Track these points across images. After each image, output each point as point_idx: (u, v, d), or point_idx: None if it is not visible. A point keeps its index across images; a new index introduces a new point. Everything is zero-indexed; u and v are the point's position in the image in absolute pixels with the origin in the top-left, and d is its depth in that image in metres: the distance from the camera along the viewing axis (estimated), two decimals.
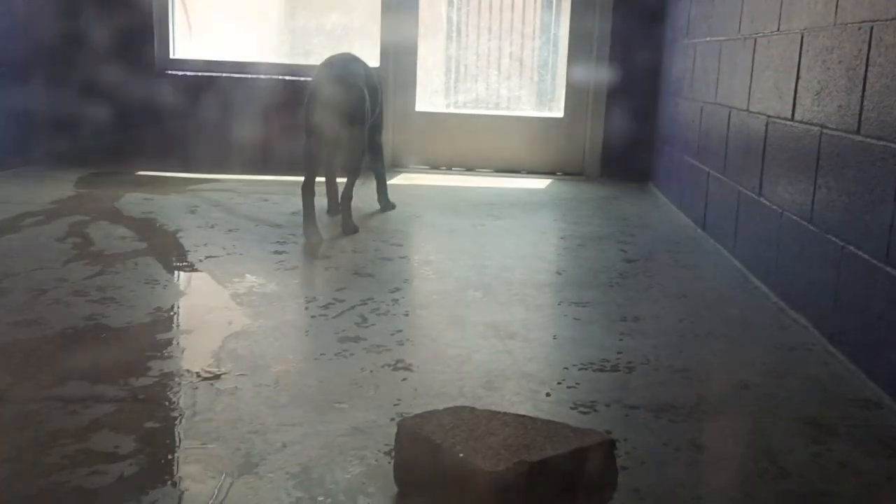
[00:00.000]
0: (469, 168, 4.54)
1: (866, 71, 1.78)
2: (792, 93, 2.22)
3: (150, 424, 1.42)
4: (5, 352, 1.71)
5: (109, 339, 1.82)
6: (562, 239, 3.02)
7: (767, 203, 2.39)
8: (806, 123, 2.12)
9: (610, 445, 1.19)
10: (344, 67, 2.99)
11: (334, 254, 2.67)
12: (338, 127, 2.88)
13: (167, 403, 1.49)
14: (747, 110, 2.63)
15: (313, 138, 2.88)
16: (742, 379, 1.73)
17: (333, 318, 2.02)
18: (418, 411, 1.37)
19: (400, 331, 1.94)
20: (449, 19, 4.69)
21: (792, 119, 2.22)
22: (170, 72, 4.35)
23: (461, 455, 1.12)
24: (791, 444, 1.43)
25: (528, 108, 4.68)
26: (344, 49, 3.27)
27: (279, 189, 3.75)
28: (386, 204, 3.42)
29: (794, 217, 2.16)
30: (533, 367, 1.75)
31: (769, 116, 2.40)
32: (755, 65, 2.58)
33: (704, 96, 3.20)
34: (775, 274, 2.30)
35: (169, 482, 1.22)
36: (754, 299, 2.31)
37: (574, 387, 1.64)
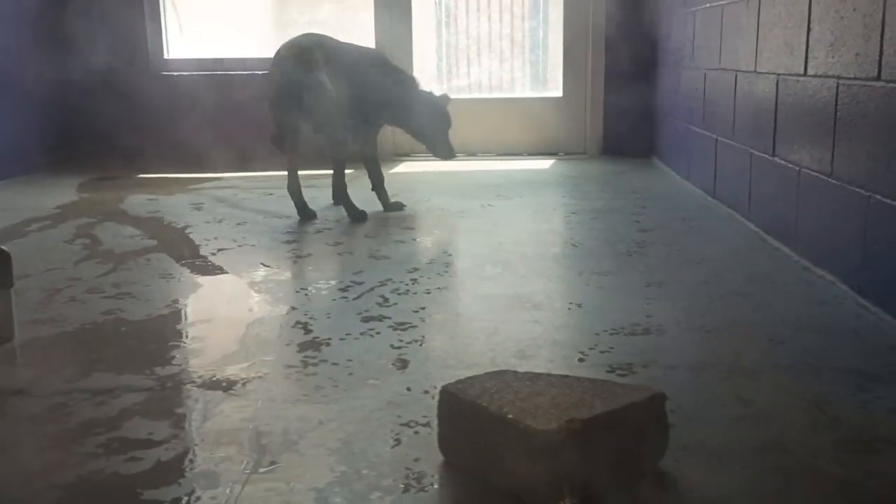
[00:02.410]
0: (470, 153, 4.50)
1: (884, 14, 1.75)
2: (803, 47, 2.19)
3: (181, 410, 1.39)
4: (27, 348, 1.68)
5: (130, 332, 1.78)
6: (573, 214, 2.99)
7: (783, 162, 2.36)
8: (821, 77, 2.09)
9: (660, 399, 1.16)
10: (290, 48, 2.85)
11: (347, 239, 2.64)
12: (279, 112, 2.84)
13: (196, 389, 1.46)
14: (755, 71, 2.59)
15: (271, 125, 2.91)
16: (776, 335, 1.70)
17: (354, 299, 1.98)
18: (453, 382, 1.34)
19: (423, 308, 1.90)
20: (438, 4, 4.65)
21: (805, 74, 2.19)
22: (165, 73, 4.31)
23: (510, 416, 1.09)
24: (837, 393, 1.40)
25: (526, 90, 4.65)
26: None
27: (282, 183, 3.71)
28: (387, 203, 3.08)
29: (813, 173, 2.13)
30: (563, 335, 1.72)
31: (780, 74, 2.37)
32: (760, 24, 2.54)
33: (707, 63, 3.17)
34: (795, 232, 2.27)
35: (207, 463, 1.19)
36: (776, 259, 2.28)
37: (608, 351, 1.61)
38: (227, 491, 1.12)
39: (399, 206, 3.07)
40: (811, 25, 2.14)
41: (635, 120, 4.33)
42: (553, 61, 4.60)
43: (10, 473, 1.19)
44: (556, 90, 4.54)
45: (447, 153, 3.13)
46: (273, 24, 4.66)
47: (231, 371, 1.53)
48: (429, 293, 2.04)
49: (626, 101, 4.32)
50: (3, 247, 1.70)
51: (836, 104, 2.00)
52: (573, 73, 4.45)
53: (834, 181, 2.01)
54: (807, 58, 2.18)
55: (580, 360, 1.57)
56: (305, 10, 4.56)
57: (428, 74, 4.60)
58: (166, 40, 4.37)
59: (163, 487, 1.12)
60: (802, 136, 2.22)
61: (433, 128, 3.08)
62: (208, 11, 4.57)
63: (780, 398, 1.40)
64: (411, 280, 2.14)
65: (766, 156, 2.49)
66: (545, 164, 4.29)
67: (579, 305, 1.92)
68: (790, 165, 2.30)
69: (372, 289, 2.07)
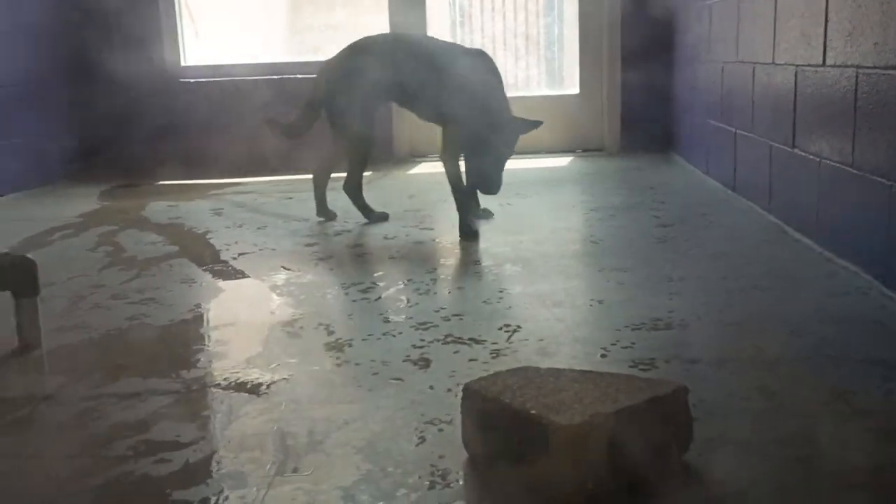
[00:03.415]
0: None
1: None
2: (821, 38, 2.18)
3: (207, 413, 1.40)
4: (55, 355, 1.70)
5: (154, 337, 1.80)
6: (592, 211, 2.99)
7: (803, 154, 2.34)
8: (839, 66, 2.07)
9: (684, 393, 1.16)
10: (342, 54, 2.84)
11: (365, 241, 2.65)
12: (311, 111, 2.90)
13: (221, 391, 1.47)
14: (773, 63, 2.58)
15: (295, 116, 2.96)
16: (799, 327, 1.69)
17: (375, 300, 1.99)
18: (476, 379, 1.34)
19: (444, 308, 1.91)
20: (453, 3, 4.66)
21: (823, 65, 2.17)
22: (182, 80, 4.34)
23: (533, 412, 1.09)
24: (862, 384, 1.40)
25: (542, 88, 4.64)
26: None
27: (301, 187, 3.73)
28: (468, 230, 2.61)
29: (834, 164, 2.12)
30: (585, 331, 1.72)
31: (798, 66, 2.36)
32: (778, 16, 2.53)
33: (724, 56, 3.16)
34: (817, 224, 2.26)
35: (234, 464, 1.20)
36: (797, 251, 2.26)
37: (630, 346, 1.61)
38: (255, 491, 1.13)
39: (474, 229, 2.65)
40: (829, 15, 2.13)
41: (653, 115, 4.31)
42: (569, 58, 4.59)
43: (42, 478, 1.21)
44: (572, 87, 4.53)
45: (491, 186, 2.59)
46: (287, 29, 4.69)
47: (255, 373, 1.55)
48: (449, 293, 2.04)
49: (644, 96, 4.31)
50: (28, 256, 1.73)
51: (855, 94, 1.99)
52: (590, 70, 4.44)
53: (855, 171, 2.00)
54: (825, 48, 2.16)
55: (602, 355, 1.57)
56: (320, 14, 4.59)
57: None
58: (183, 48, 4.41)
59: (192, 488, 1.14)
60: (822, 127, 2.21)
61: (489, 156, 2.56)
62: (223, 16, 4.61)
63: (803, 390, 1.40)
64: (431, 280, 2.15)
65: (786, 147, 2.47)
66: (563, 161, 4.29)
67: (600, 302, 1.92)
68: (810, 157, 2.28)
69: (393, 289, 2.08)
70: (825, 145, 2.18)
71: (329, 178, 2.98)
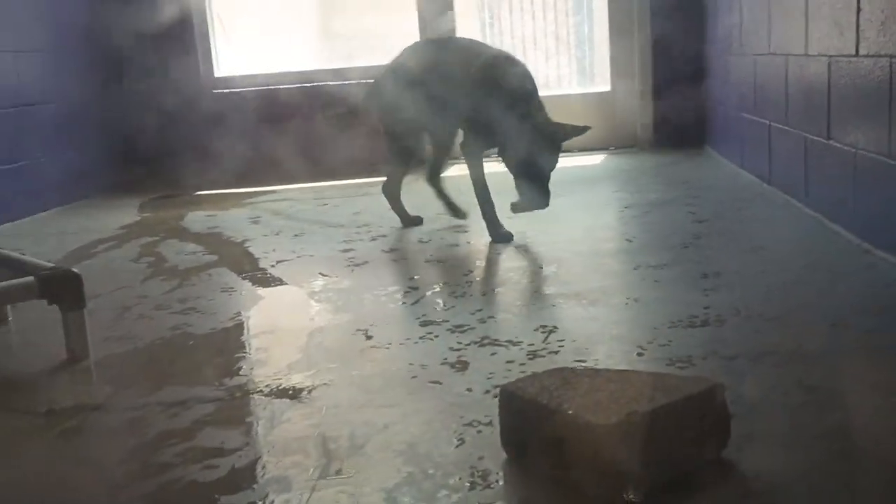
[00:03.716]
0: None
1: None
2: (854, 28, 2.15)
3: (250, 419, 1.43)
4: (102, 365, 1.75)
5: (197, 346, 1.84)
6: (626, 208, 2.98)
7: (838, 145, 2.32)
8: (873, 56, 2.05)
9: (719, 390, 1.16)
10: (397, 59, 2.84)
11: (401, 246, 2.68)
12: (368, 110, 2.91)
13: (264, 398, 1.50)
14: (805, 55, 2.56)
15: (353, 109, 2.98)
16: (839, 320, 1.68)
17: (412, 304, 2.01)
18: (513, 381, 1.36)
19: (480, 310, 1.93)
20: (482, 5, 4.67)
21: (857, 55, 2.15)
22: (216, 91, 4.41)
23: (570, 412, 1.10)
24: None
25: (573, 86, 4.64)
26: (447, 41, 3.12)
27: (336, 193, 3.78)
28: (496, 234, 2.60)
29: (871, 154, 2.10)
30: (621, 330, 1.73)
31: (831, 56, 2.34)
32: (809, 6, 2.51)
33: (756, 48, 3.13)
34: (854, 215, 2.23)
35: (278, 469, 1.23)
36: (835, 244, 2.24)
37: (666, 344, 1.61)
38: (299, 494, 1.15)
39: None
40: (860, 5, 2.11)
41: (686, 110, 4.29)
42: (599, 56, 4.59)
43: (95, 485, 1.25)
44: (603, 85, 4.52)
45: (542, 201, 2.51)
46: (318, 36, 4.73)
47: (296, 379, 1.58)
48: (485, 295, 2.06)
49: (676, 91, 4.28)
50: (74, 270, 1.78)
51: (890, 83, 1.96)
52: (621, 67, 4.43)
53: (892, 161, 1.98)
54: (858, 38, 2.14)
55: (639, 354, 1.58)
56: (350, 21, 4.63)
57: None
58: (216, 58, 4.47)
59: (238, 493, 1.17)
60: (857, 118, 2.19)
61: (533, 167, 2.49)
62: (254, 26, 4.67)
63: (843, 384, 1.39)
64: (467, 282, 2.16)
65: (821, 139, 2.45)
66: (596, 159, 4.28)
67: (636, 300, 1.92)
68: (846, 148, 2.26)
69: (429, 293, 2.10)
70: (861, 136, 2.16)
71: (400, 188, 2.92)
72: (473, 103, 2.57)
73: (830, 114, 2.37)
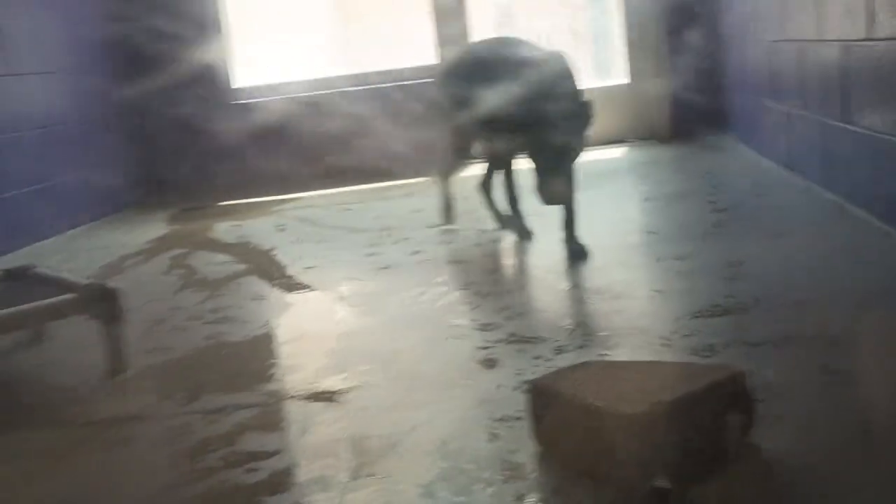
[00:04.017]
0: None
1: None
2: (866, 11, 2.16)
3: (287, 422, 1.48)
4: (141, 377, 1.80)
5: (231, 354, 1.89)
6: (647, 200, 3.00)
7: (856, 129, 2.33)
8: (886, 39, 2.06)
9: (741, 377, 1.18)
10: (453, 57, 2.82)
11: (424, 248, 2.71)
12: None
13: (298, 402, 1.55)
14: (820, 40, 2.56)
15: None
16: (862, 303, 1.69)
17: (439, 305, 2.05)
18: (541, 376, 1.39)
19: (506, 308, 1.96)
20: (496, 4, 4.70)
21: (870, 38, 2.16)
22: (235, 102, 4.47)
23: (598, 404, 1.13)
24: None
25: (592, 79, 4.65)
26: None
27: (357, 198, 3.83)
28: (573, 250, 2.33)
29: (888, 137, 2.10)
30: (645, 322, 1.75)
31: (845, 41, 2.34)
32: None
33: (772, 35, 3.13)
34: (875, 198, 2.24)
35: (316, 470, 1.27)
36: (857, 227, 2.25)
37: (690, 335, 1.63)
38: (338, 493, 1.19)
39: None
40: None
41: (703, 99, 4.28)
42: (616, 49, 4.59)
43: (143, 491, 1.30)
44: (621, 78, 4.53)
45: (558, 196, 2.27)
46: (336, 43, 4.79)
47: (328, 383, 1.62)
48: (510, 292, 2.09)
49: (693, 81, 4.28)
50: (112, 285, 1.83)
51: None
52: (638, 59, 4.43)
53: None
54: (870, 21, 2.15)
55: (663, 345, 1.60)
56: (367, 27, 4.68)
57: None
58: (234, 70, 4.54)
59: (279, 494, 1.21)
60: (874, 101, 2.19)
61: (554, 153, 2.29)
62: (271, 35, 4.73)
63: (867, 366, 1.41)
64: (492, 281, 2.20)
65: (840, 124, 2.45)
66: (616, 151, 4.29)
67: (659, 291, 1.95)
68: (864, 131, 2.27)
69: (455, 293, 2.13)
70: (878, 119, 2.16)
71: (492, 188, 2.81)
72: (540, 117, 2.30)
73: (847, 98, 2.38)
